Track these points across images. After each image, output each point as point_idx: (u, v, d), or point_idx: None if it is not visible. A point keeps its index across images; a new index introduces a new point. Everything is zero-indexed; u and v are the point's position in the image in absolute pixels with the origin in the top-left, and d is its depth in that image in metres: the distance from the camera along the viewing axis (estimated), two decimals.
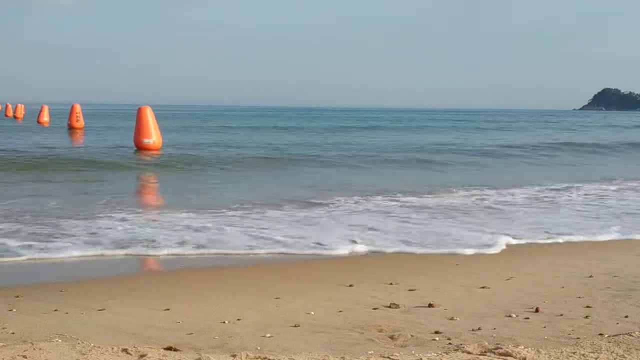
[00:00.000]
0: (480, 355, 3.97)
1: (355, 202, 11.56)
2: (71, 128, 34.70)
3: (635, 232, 9.09)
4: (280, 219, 9.70)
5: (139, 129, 20.20)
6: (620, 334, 4.39)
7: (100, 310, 5.19)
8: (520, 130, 49.83)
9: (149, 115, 20.06)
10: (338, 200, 11.68)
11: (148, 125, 20.16)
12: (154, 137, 20.23)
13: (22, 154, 18.91)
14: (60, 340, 4.25)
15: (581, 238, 8.71)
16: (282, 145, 25.71)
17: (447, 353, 4.01)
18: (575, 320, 4.87)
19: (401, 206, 11.16)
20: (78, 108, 35.89)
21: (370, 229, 9.02)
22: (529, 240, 8.51)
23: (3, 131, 32.51)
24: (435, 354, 3.99)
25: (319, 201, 11.55)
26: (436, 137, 35.77)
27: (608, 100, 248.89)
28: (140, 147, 20.05)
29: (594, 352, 3.96)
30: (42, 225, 8.79)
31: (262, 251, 7.71)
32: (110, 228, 8.74)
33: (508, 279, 6.39)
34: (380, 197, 12.19)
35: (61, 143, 24.68)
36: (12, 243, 7.71)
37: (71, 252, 7.41)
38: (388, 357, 3.96)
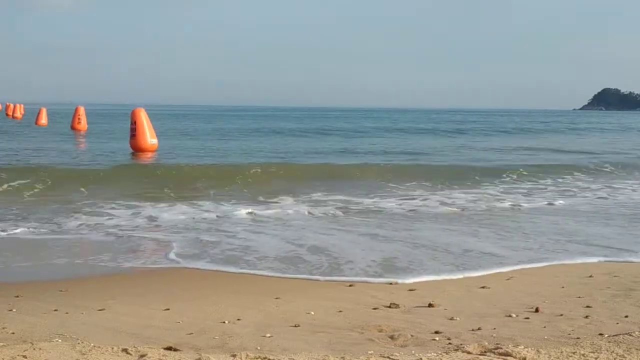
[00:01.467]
0: (480, 355, 3.97)
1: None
2: (73, 129, 34.82)
3: None
4: None
5: (142, 132, 20.17)
6: (620, 334, 4.39)
7: (100, 310, 5.19)
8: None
9: (146, 117, 20.24)
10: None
11: (149, 127, 20.28)
12: (154, 137, 20.41)
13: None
14: (60, 340, 4.25)
15: None
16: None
17: (447, 353, 4.01)
18: (575, 320, 4.86)
19: None
20: (82, 110, 36.02)
21: None
22: None
23: (11, 134, 31.36)
24: (435, 354, 3.99)
25: None
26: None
27: (608, 100, 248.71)
28: (143, 149, 20.04)
29: (594, 352, 3.96)
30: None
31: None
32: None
33: (508, 279, 6.39)
34: None
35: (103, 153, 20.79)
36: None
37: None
38: (388, 357, 3.96)
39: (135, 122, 20.17)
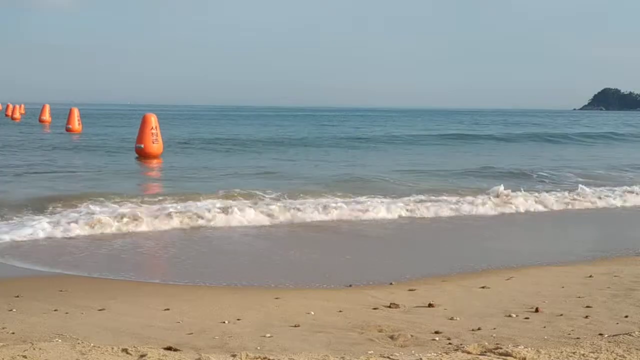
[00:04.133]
0: (480, 355, 3.97)
1: None
2: (69, 131, 35.07)
3: None
4: None
5: (160, 137, 20.30)
6: (620, 334, 4.39)
7: (100, 310, 5.19)
8: None
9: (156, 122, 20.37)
10: None
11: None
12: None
13: None
14: (60, 340, 4.25)
15: None
16: None
17: (447, 353, 4.01)
18: (575, 320, 4.86)
19: None
20: (76, 112, 36.56)
21: None
22: None
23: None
24: (435, 354, 3.99)
25: None
26: None
27: (608, 100, 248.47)
28: (157, 155, 20.11)
29: (594, 352, 3.96)
30: None
31: None
32: None
33: (508, 279, 6.39)
34: None
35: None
36: None
37: None
38: (388, 357, 3.96)
39: (155, 127, 20.27)
